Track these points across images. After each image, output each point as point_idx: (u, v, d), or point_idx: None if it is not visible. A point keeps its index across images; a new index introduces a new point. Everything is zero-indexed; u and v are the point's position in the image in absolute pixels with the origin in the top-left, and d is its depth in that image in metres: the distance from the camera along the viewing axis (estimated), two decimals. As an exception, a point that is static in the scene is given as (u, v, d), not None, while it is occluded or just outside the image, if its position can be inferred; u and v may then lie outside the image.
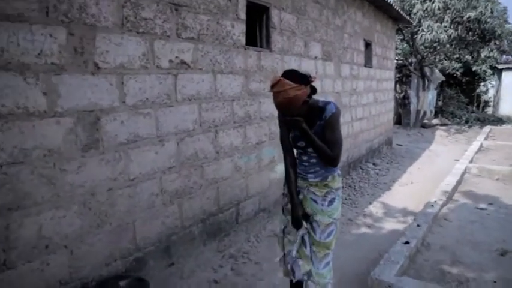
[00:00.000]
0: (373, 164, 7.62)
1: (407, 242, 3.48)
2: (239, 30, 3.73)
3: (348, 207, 5.11)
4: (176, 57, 3.05)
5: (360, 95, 7.21)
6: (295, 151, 2.35)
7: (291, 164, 2.32)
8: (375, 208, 5.17)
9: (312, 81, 2.07)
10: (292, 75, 2.01)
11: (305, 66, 5.04)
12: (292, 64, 4.71)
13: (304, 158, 2.28)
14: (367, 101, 7.62)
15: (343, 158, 6.50)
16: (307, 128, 2.09)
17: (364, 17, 7.17)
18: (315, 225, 2.26)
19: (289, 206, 2.31)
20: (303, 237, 2.28)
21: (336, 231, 2.30)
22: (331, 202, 2.25)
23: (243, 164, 3.95)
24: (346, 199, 5.44)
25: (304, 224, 2.26)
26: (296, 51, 4.79)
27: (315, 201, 2.26)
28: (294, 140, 2.27)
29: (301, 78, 2.01)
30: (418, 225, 3.89)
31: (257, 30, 4.23)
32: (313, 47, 5.25)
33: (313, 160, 2.24)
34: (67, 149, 2.35)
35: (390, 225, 4.53)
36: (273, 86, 1.99)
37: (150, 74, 2.84)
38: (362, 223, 4.59)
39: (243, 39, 3.80)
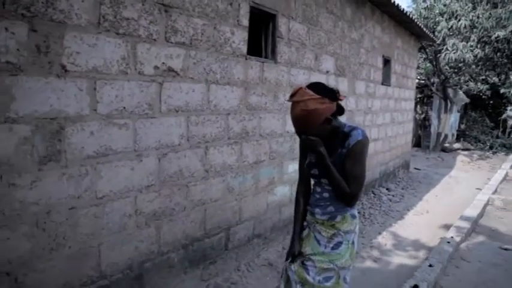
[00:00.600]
0: (387, 189, 7.12)
1: (416, 286, 3.02)
2: (240, 38, 3.41)
3: (354, 237, 4.65)
4: (163, 63, 2.74)
5: (376, 115, 6.77)
6: (312, 181, 2.04)
7: (301, 192, 2.06)
8: (384, 239, 4.70)
9: (341, 99, 1.74)
10: (317, 86, 1.73)
11: (315, 80, 4.66)
12: (300, 78, 4.36)
13: (318, 189, 1.95)
14: (383, 121, 7.18)
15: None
16: (325, 153, 1.76)
17: (384, 32, 6.77)
18: (309, 265, 1.89)
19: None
20: (288, 277, 1.96)
21: (337, 281, 1.89)
22: (336, 246, 1.89)
23: (236, 185, 3.58)
24: (353, 227, 4.98)
25: (293, 265, 1.93)
26: (305, 64, 4.44)
27: (318, 242, 1.91)
28: (309, 166, 1.94)
29: (326, 92, 1.71)
30: (430, 265, 3.42)
31: (262, 39, 3.91)
32: (325, 61, 4.88)
33: (326, 194, 1.90)
34: (20, 161, 2.04)
35: (399, 259, 4.07)
36: (292, 96, 1.71)
37: (129, 81, 2.53)
38: (368, 256, 4.14)
39: (244, 48, 3.48)
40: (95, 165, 2.39)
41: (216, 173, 3.33)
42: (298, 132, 1.78)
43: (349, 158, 1.76)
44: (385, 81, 7.16)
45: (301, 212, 2.03)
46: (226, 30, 3.25)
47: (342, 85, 5.39)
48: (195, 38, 2.96)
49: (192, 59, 2.96)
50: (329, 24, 4.86)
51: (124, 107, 2.52)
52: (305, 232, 2.00)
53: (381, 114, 7.00)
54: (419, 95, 12.87)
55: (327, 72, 4.97)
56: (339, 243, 1.89)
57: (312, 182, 2.03)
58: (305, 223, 2.03)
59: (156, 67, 2.69)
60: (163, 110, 2.79)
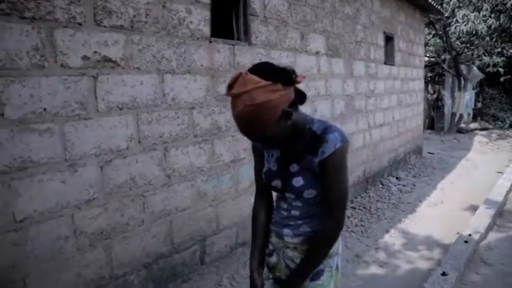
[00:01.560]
0: (397, 178, 6.53)
1: (424, 302, 2.51)
2: (199, 17, 2.90)
3: (358, 238, 4.13)
4: (95, 52, 2.26)
5: (380, 97, 6.17)
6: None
7: (260, 207, 1.55)
8: (392, 238, 4.16)
9: (298, 81, 1.23)
10: (263, 68, 1.20)
11: (303, 64, 4.14)
12: (284, 61, 3.82)
13: (283, 205, 1.45)
14: (389, 104, 6.57)
15: (359, 173, 5.51)
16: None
17: (383, 6, 6.14)
18: None
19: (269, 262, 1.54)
20: None
21: None
22: (316, 276, 1.42)
23: (210, 189, 3.10)
24: (356, 225, 4.46)
25: None
26: (289, 44, 3.90)
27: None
28: (268, 176, 1.45)
29: (278, 74, 1.18)
30: (443, 274, 2.88)
31: (233, 18, 3.39)
32: (314, 40, 4.33)
33: (295, 212, 1.41)
34: None
35: (410, 262, 3.53)
36: (230, 87, 1.17)
37: (48, 76, 2.06)
38: (373, 260, 3.61)
39: (205, 29, 2.97)
40: (8, 182, 1.94)
41: (182, 178, 2.85)
42: (248, 137, 1.26)
43: (328, 173, 1.28)
44: (389, 60, 6.53)
45: (262, 234, 1.53)
46: (180, 8, 2.75)
47: (336, 67, 4.83)
48: (137, 20, 2.47)
49: (135, 45, 2.47)
50: (315, -2, 4.30)
51: (44, 109, 2.05)
52: (273, 259, 1.51)
53: (385, 97, 6.40)
54: (429, 74, 12.08)
55: (317, 52, 4.41)
56: (320, 272, 1.41)
57: (275, 194, 1.53)
58: (270, 247, 1.53)
59: (85, 57, 2.21)
60: (102, 108, 2.32)
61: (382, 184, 6.15)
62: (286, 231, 1.43)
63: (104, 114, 2.32)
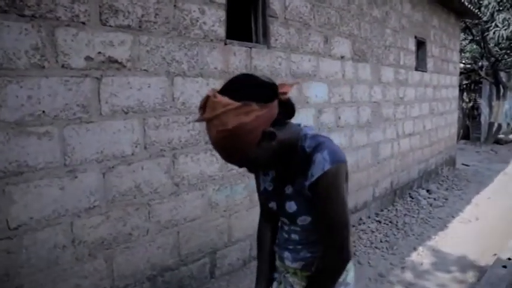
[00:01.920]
0: (427, 190, 6.15)
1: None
2: (214, 18, 2.76)
3: (382, 254, 3.84)
4: (99, 52, 2.15)
5: (410, 105, 5.84)
6: None
7: (266, 227, 1.42)
8: (420, 256, 3.84)
9: (283, 93, 1.05)
10: (236, 86, 1.02)
11: (326, 68, 3.93)
12: (306, 65, 3.63)
13: (284, 227, 1.30)
14: (420, 113, 6.21)
15: (386, 185, 5.20)
16: None
17: (415, 9, 5.83)
18: None
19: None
20: None
21: None
22: None
23: (222, 199, 2.93)
24: (381, 241, 4.17)
25: None
26: (311, 48, 3.71)
27: None
28: (265, 196, 1.31)
29: (252, 90, 1.01)
30: (475, 302, 2.57)
31: (252, 20, 3.24)
32: (339, 44, 4.11)
33: (295, 236, 1.24)
34: None
35: (440, 286, 3.23)
36: (202, 109, 1.01)
37: (48, 77, 1.97)
38: (398, 280, 3.33)
39: (220, 31, 2.82)
40: (2, 187, 1.84)
41: (191, 187, 2.70)
42: (229, 162, 1.11)
43: (319, 199, 1.09)
44: (420, 66, 6.19)
45: (267, 258, 1.38)
46: (193, 8, 2.62)
47: (362, 72, 4.58)
48: (146, 20, 2.36)
49: (143, 46, 2.36)
50: (341, 0, 4.09)
51: (43, 111, 1.96)
52: (274, 285, 1.36)
53: (416, 105, 6.05)
54: (465, 82, 11.50)
55: (342, 57, 4.19)
56: None
57: None
58: (276, 273, 1.38)
59: (88, 58, 2.11)
60: (106, 112, 2.21)
61: (411, 197, 5.80)
62: (286, 254, 1.27)
63: (107, 117, 2.21)
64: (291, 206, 1.17)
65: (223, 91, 1.00)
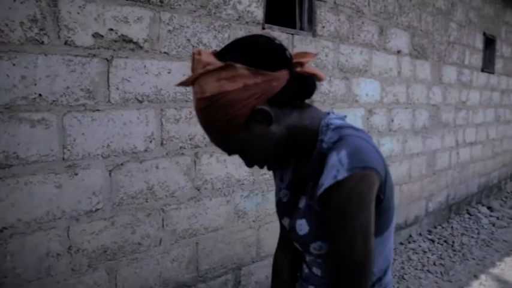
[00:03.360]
0: (489, 207, 5.40)
1: None
2: (250, -2, 2.37)
3: (435, 281, 3.28)
4: (110, 29, 1.83)
5: (473, 111, 5.14)
6: None
7: (283, 257, 1.07)
8: (483, 286, 3.24)
9: (301, 64, 0.74)
10: (237, 42, 0.77)
11: (380, 63, 3.42)
12: (357, 58, 3.15)
13: (306, 257, 0.95)
14: (484, 120, 5.47)
15: (441, 198, 4.58)
16: None
17: (485, 1, 5.11)
18: None
19: None
20: None
21: None
22: None
23: (252, 208, 2.54)
24: (434, 264, 3.59)
25: None
26: (363, 39, 3.21)
27: None
28: (278, 210, 0.98)
29: (247, 51, 0.74)
30: None
31: (296, 2, 2.81)
32: (395, 36, 3.58)
33: (317, 270, 0.90)
34: None
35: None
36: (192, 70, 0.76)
37: (47, 55, 1.66)
38: (455, 317, 2.78)
39: (258, 13, 2.42)
40: (-14, 182, 1.56)
41: (215, 192, 2.33)
42: (217, 146, 0.83)
43: (328, 218, 0.75)
44: (487, 67, 5.45)
45: None
46: (226, -16, 2.24)
47: (421, 70, 4.00)
48: (169, -6, 2.01)
49: (164, 24, 2.01)
50: (400, -15, 3.55)
51: (39, 95, 1.66)
52: None
53: (480, 110, 5.33)
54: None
55: (398, 52, 3.65)
56: None
57: None
58: None
59: (97, 35, 1.79)
60: (115, 99, 1.88)
61: (469, 214, 5.11)
62: None
63: (117, 106, 1.88)
64: (302, 227, 0.82)
65: (219, 51, 0.74)
